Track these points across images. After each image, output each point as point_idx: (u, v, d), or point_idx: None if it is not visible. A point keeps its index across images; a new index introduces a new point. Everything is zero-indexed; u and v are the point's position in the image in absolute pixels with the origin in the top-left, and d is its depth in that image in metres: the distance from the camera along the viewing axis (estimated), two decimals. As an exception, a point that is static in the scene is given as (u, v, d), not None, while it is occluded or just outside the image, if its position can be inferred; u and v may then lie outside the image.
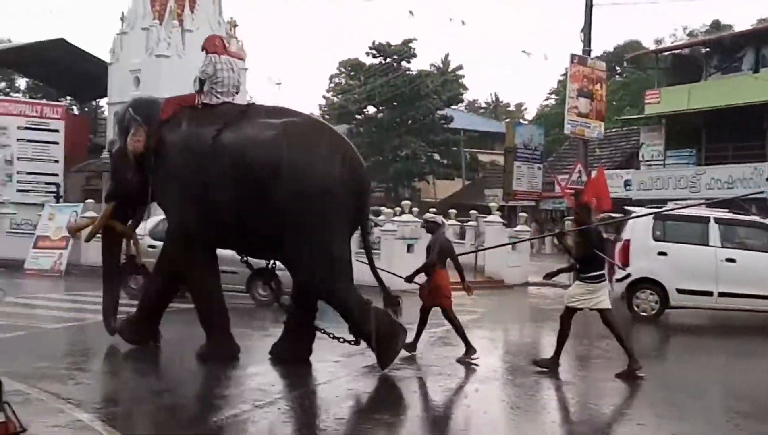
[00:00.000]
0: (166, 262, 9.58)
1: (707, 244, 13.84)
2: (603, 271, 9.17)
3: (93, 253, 12.87)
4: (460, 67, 51.72)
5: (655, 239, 14.09)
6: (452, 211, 27.22)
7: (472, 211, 26.54)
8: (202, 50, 9.76)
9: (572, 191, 22.51)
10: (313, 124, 9.81)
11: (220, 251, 9.67)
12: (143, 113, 9.47)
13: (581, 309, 9.12)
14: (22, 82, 48.12)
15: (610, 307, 9.11)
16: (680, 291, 13.85)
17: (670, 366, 10.93)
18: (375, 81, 45.22)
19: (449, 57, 52.96)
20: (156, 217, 14.13)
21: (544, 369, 9.06)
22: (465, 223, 25.70)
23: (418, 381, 8.94)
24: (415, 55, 45.98)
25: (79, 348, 10.45)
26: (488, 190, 39.00)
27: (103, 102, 37.90)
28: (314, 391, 8.27)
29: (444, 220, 11.03)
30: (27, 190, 28.13)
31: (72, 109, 38.52)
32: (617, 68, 49.34)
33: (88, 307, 12.75)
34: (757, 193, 20.82)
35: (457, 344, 9.84)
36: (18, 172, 28.27)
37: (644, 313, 13.98)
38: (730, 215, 14.31)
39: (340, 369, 9.08)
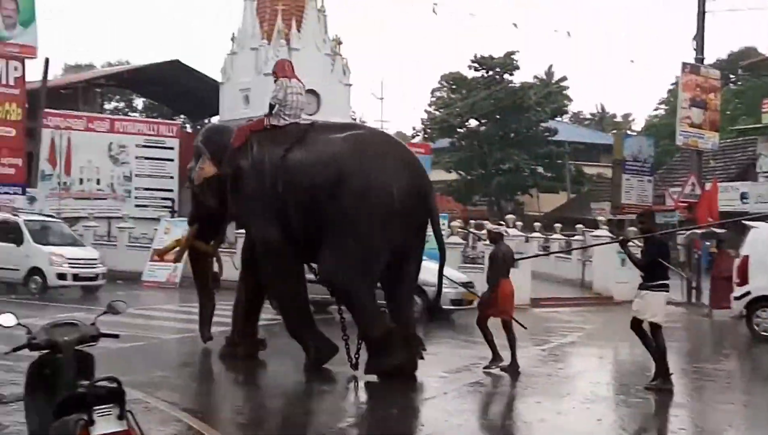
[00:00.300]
0: (251, 277, 10.01)
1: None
2: (667, 281, 8.93)
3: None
4: (564, 79, 50.81)
5: (778, 255, 13.38)
6: (557, 225, 26.70)
7: (578, 225, 25.93)
8: (273, 75, 10.20)
9: (686, 204, 21.72)
10: (379, 136, 10.14)
11: None
12: (214, 141, 10.05)
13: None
14: (139, 102, 50.48)
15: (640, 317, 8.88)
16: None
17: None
18: (477, 94, 44.91)
19: (553, 68, 52.20)
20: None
21: (663, 388, 8.65)
22: (571, 238, 25.16)
23: (525, 399, 8.78)
24: (518, 68, 45.49)
25: (193, 359, 10.81)
26: (594, 204, 37.99)
27: (214, 120, 39.33)
28: (418, 407, 8.26)
29: (507, 230, 10.91)
30: (144, 205, 29.36)
31: (186, 128, 40.11)
32: (731, 76, 47.28)
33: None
34: None
35: (565, 360, 9.64)
36: (136, 188, 29.54)
37: (765, 333, 13.27)
38: None
39: (445, 384, 9.04)
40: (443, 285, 9.87)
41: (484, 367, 9.64)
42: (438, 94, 51.67)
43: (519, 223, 23.35)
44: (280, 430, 7.24)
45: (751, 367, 9.92)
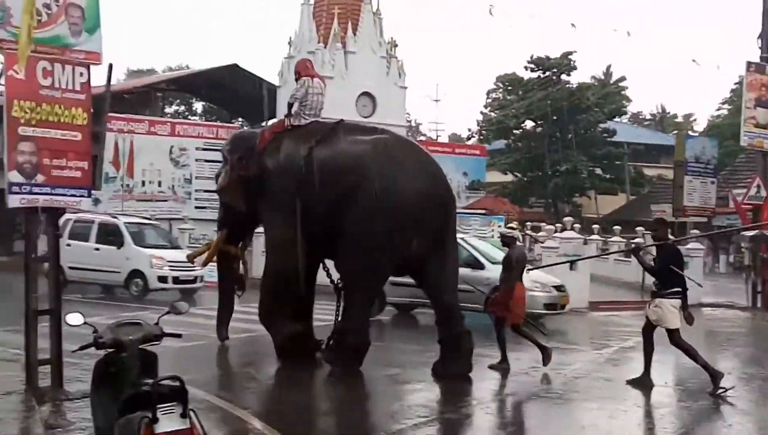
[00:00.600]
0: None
1: None
2: (681, 289, 8.88)
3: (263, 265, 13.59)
4: (623, 79, 50.05)
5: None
6: (616, 228, 26.28)
7: (638, 228, 25.46)
8: (295, 74, 10.35)
9: (750, 207, 21.13)
10: (401, 142, 10.35)
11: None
12: (241, 147, 10.29)
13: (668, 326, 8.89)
14: (198, 106, 51.43)
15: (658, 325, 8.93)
16: None
17: None
18: (534, 95, 44.54)
19: (611, 68, 51.47)
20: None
21: (722, 390, 8.60)
22: (631, 240, 24.71)
23: (583, 405, 8.63)
24: (575, 68, 44.98)
25: (252, 358, 10.94)
26: (655, 206, 37.24)
27: (271, 123, 39.84)
28: (473, 412, 8.20)
29: (520, 234, 11.03)
30: (204, 207, 29.83)
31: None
32: (799, 74, 45.72)
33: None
34: None
35: (625, 365, 9.47)
36: (196, 190, 30.07)
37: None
38: None
39: (503, 388, 8.97)
40: (536, 289, 10.29)
41: (490, 365, 9.74)
42: (494, 95, 51.40)
43: (577, 226, 23.03)
44: (338, 430, 7.28)
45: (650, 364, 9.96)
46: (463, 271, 12.40)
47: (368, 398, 8.76)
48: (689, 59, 52.38)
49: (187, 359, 9.87)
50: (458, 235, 14.37)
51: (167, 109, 45.88)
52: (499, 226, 17.80)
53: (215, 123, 36.59)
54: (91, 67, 8.08)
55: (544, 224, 27.39)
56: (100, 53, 8.17)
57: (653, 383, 9.01)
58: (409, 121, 47.01)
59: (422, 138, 52.43)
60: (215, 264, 11.69)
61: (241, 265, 11.34)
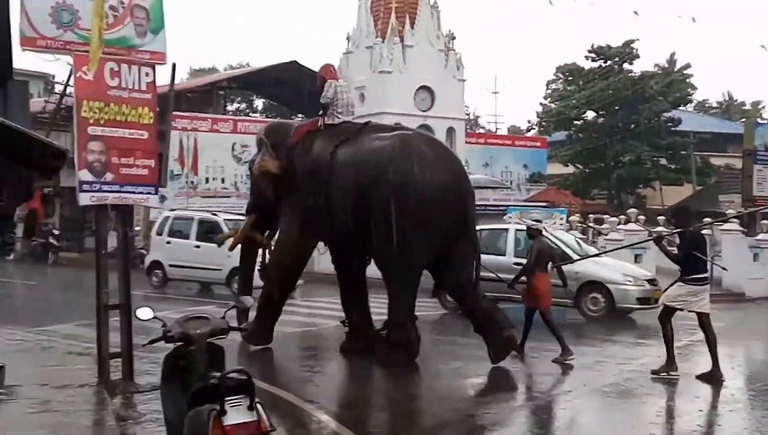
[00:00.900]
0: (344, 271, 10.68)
1: None
2: (706, 275, 9.04)
3: (324, 261, 13.68)
4: (687, 66, 48.69)
5: None
6: (683, 219, 25.63)
7: (705, 219, 24.79)
8: (320, 79, 10.67)
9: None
10: (422, 137, 10.64)
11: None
12: (275, 137, 10.59)
13: (681, 309, 9.07)
14: (259, 103, 52.11)
15: (709, 311, 9.04)
16: None
17: None
18: (595, 85, 43.74)
19: (675, 56, 50.15)
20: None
21: (661, 375, 8.84)
22: (699, 228, 24.06)
23: (654, 401, 8.45)
24: (637, 56, 43.91)
25: (314, 352, 11.07)
26: (723, 196, 36.25)
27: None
28: (534, 407, 8.13)
29: (545, 226, 11.37)
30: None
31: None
32: None
33: (321, 312, 13.49)
34: None
35: (693, 359, 9.26)
36: (257, 186, 30.55)
37: None
38: None
39: (573, 382, 8.87)
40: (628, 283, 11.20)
41: (553, 359, 9.80)
42: (553, 86, 50.67)
43: (642, 217, 22.56)
44: (400, 423, 7.30)
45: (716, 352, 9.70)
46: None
47: (429, 392, 8.74)
48: (757, 45, 50.79)
49: (252, 353, 10.07)
50: (546, 229, 14.56)
51: (229, 107, 46.58)
52: (561, 219, 17.56)
53: (276, 119, 37.05)
54: (156, 66, 8.27)
55: (607, 216, 26.91)
56: (164, 53, 8.36)
57: (723, 377, 8.79)
58: (468, 114, 46.72)
59: (481, 130, 52.07)
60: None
61: (265, 255, 11.40)
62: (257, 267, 11.44)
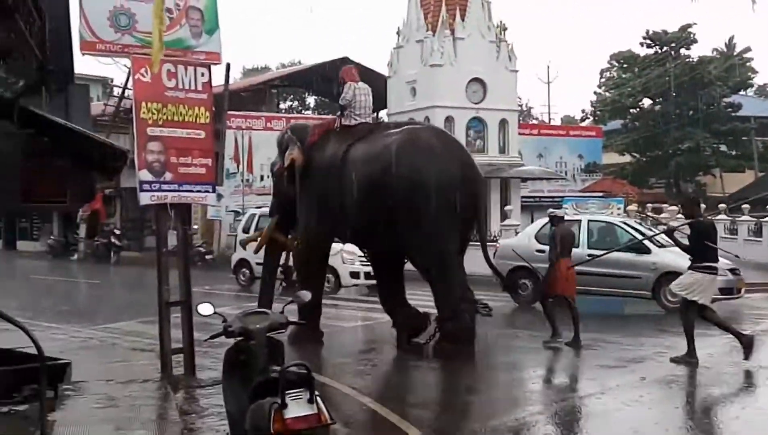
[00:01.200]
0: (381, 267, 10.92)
1: None
2: (713, 264, 9.07)
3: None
4: (747, 50, 47.34)
5: None
6: (745, 207, 24.94)
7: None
8: (340, 81, 11.02)
9: None
10: (431, 131, 11.14)
11: (621, 256, 11.84)
12: (298, 136, 10.85)
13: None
14: (311, 100, 52.46)
15: (709, 304, 9.14)
16: None
17: None
18: (651, 72, 42.88)
19: (734, 40, 48.74)
20: (540, 221, 15.14)
21: (682, 363, 8.76)
22: (762, 219, 23.44)
23: (711, 391, 8.25)
24: (695, 41, 42.91)
25: (372, 346, 11.12)
26: (786, 182, 35.20)
27: (382, 114, 40.15)
28: (591, 401, 8.01)
29: (565, 213, 11.50)
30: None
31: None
32: None
33: (378, 307, 13.51)
34: None
35: (758, 351, 9.03)
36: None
37: None
38: None
39: (627, 375, 8.73)
40: None
41: (545, 341, 10.14)
42: (607, 74, 49.81)
43: (702, 205, 22.03)
44: (460, 417, 7.29)
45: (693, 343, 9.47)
46: (627, 256, 12.42)
47: (488, 385, 8.70)
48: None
49: (309, 346, 10.15)
50: (618, 220, 14.46)
51: (282, 105, 47.01)
52: (619, 209, 17.23)
53: (327, 117, 37.28)
54: (211, 67, 8.41)
55: (666, 205, 26.36)
56: (219, 53, 8.49)
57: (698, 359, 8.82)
58: (521, 105, 46.20)
59: (534, 121, 51.53)
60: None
61: (288, 256, 11.52)
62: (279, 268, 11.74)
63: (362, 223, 10.09)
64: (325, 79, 36.15)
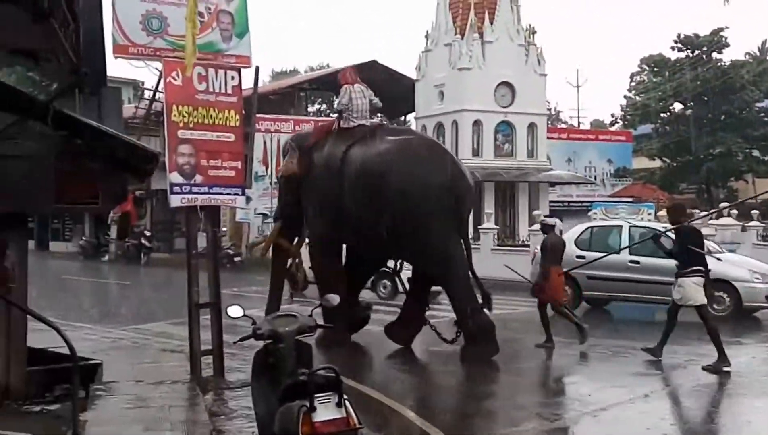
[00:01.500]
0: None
1: None
2: (701, 268, 9.15)
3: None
4: (781, 53, 46.67)
5: None
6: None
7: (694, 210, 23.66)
8: (338, 84, 11.18)
9: None
10: (424, 140, 11.74)
11: (663, 262, 11.14)
12: (300, 142, 11.06)
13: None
14: (339, 104, 52.50)
15: (705, 302, 9.21)
16: None
17: None
18: (682, 76, 42.38)
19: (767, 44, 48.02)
20: (580, 226, 15.07)
21: (713, 371, 8.65)
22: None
23: (740, 400, 8.10)
24: (727, 45, 42.30)
25: (400, 350, 11.07)
26: (821, 188, 34.60)
27: (410, 117, 40.09)
28: (626, 407, 7.91)
29: (558, 220, 11.50)
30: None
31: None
32: None
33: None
34: None
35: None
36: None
37: None
38: None
39: (655, 382, 8.63)
40: (756, 280, 11.83)
41: (537, 344, 10.36)
42: (637, 78, 49.33)
43: (734, 212, 21.73)
44: (490, 422, 7.25)
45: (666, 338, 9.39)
46: (662, 261, 12.10)
47: (515, 391, 8.65)
48: None
49: (339, 351, 10.15)
50: (660, 226, 14.30)
51: (310, 108, 47.17)
52: (649, 214, 17.04)
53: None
54: (241, 70, 8.45)
55: (697, 211, 26.03)
56: (249, 57, 8.54)
57: (730, 364, 8.73)
58: (549, 109, 45.92)
59: (563, 125, 51.18)
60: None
61: (296, 265, 11.44)
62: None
63: (362, 226, 10.16)
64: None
